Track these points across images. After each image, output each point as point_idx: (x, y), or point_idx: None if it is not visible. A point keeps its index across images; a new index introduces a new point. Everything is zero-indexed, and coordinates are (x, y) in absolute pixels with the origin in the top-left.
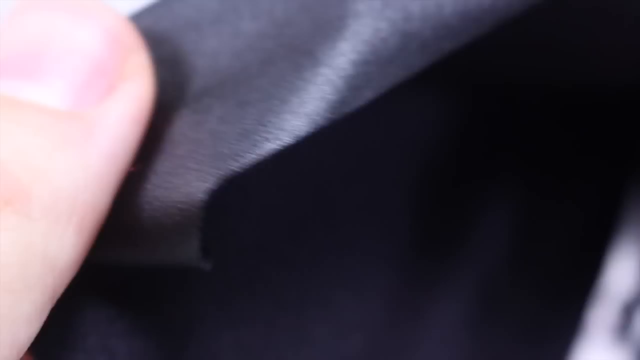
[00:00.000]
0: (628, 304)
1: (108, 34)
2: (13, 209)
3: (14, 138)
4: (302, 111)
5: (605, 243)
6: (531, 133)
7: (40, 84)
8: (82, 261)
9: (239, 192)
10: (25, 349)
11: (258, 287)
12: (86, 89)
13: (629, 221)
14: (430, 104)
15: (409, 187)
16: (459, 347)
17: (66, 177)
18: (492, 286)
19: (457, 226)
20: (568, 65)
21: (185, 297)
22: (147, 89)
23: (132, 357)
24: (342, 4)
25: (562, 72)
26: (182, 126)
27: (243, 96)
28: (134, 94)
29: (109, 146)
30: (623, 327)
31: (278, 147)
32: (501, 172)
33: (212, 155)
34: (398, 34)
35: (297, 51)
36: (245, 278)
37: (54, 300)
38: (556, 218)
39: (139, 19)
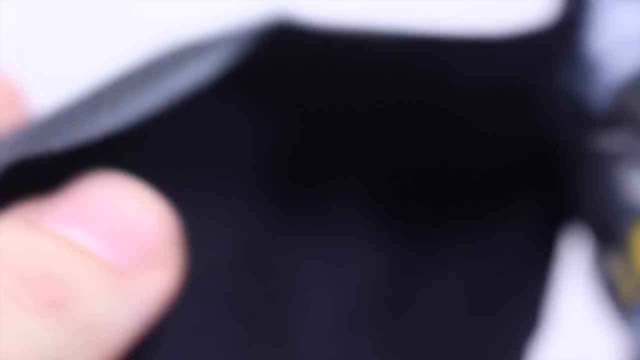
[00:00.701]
0: None
1: (159, 224)
2: (54, 311)
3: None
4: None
5: None
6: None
7: (105, 243)
8: None
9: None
10: None
11: None
12: (130, 255)
13: None
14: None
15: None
16: None
17: (102, 309)
18: None
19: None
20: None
21: None
22: (174, 280)
23: None
24: None
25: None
26: None
27: None
28: (163, 278)
29: (137, 312)
30: None
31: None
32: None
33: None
34: None
35: None
36: None
37: None
38: None
39: None
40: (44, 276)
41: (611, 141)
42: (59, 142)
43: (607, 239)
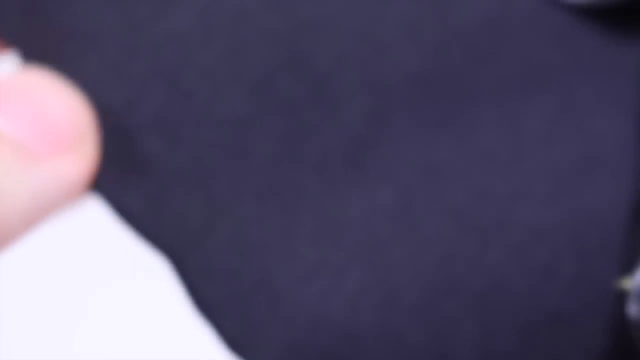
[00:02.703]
0: None
1: (74, 115)
2: None
3: None
4: None
5: None
6: None
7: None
8: None
9: None
10: None
11: None
12: (41, 140)
13: None
14: None
15: None
16: None
17: (2, 186)
18: None
19: None
20: None
21: None
22: (85, 172)
23: None
24: None
25: None
26: None
27: None
28: (73, 169)
29: (38, 188)
30: None
31: None
32: None
33: None
34: None
35: None
36: None
37: None
38: None
39: None
40: None
41: None
42: None
43: None
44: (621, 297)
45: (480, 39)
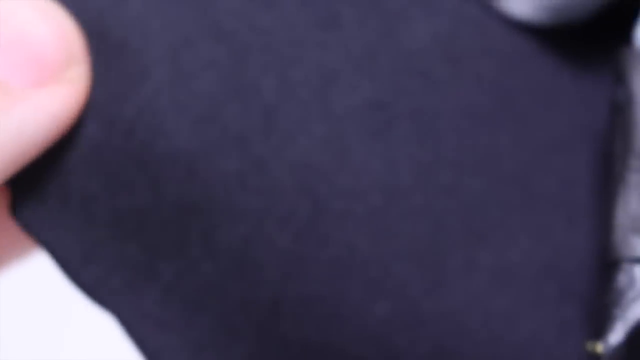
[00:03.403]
0: None
1: (60, 39)
2: None
3: None
4: None
5: None
6: None
7: None
8: None
9: None
10: None
11: None
12: (22, 71)
13: None
14: None
15: None
16: None
17: None
18: None
19: None
20: None
21: None
22: (75, 100)
23: None
24: None
25: None
26: None
27: None
28: (61, 99)
29: (21, 126)
30: None
31: None
32: None
33: None
34: None
35: None
36: None
37: None
38: None
39: None
40: None
41: None
42: None
43: None
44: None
45: (436, 66)
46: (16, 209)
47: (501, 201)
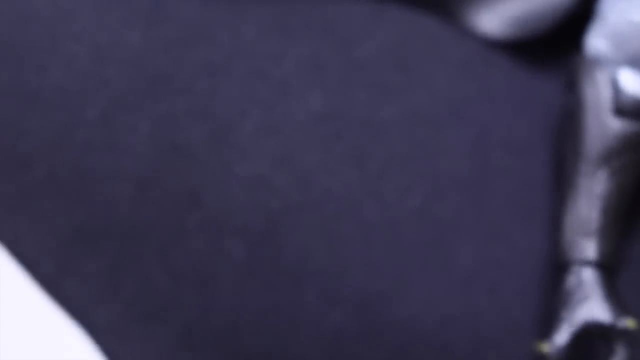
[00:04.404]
0: None
1: None
2: None
3: None
4: None
5: None
6: None
7: None
8: None
9: None
10: None
11: None
12: None
13: None
14: None
15: None
16: None
17: None
18: None
19: None
20: None
21: None
22: None
23: None
24: None
25: None
26: None
27: None
28: None
29: None
30: None
31: None
32: None
33: None
34: None
35: None
36: None
37: None
38: None
39: None
40: None
41: None
42: None
43: None
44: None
45: (385, 75)
46: None
47: (453, 203)
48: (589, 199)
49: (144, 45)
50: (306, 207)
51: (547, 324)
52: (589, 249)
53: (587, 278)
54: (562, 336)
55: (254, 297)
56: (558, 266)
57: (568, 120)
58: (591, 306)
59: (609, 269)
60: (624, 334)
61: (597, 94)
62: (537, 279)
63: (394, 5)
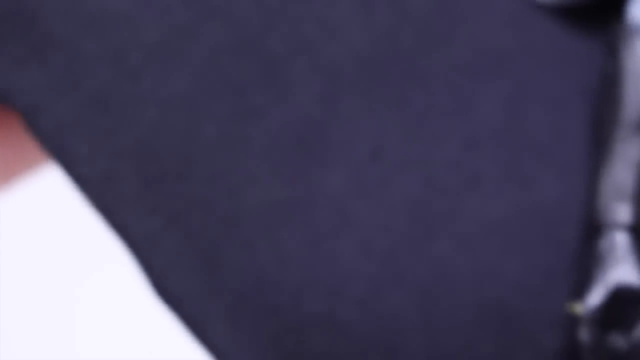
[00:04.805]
0: None
1: None
2: None
3: None
4: None
5: None
6: None
7: None
8: None
9: None
10: None
11: None
12: None
13: None
14: None
15: None
16: None
17: None
18: None
19: None
20: None
21: None
22: None
23: None
24: None
25: None
26: None
27: None
28: None
29: None
30: None
31: None
32: None
33: None
34: None
35: None
36: None
37: None
38: None
39: None
40: None
41: None
42: None
43: None
44: (572, 320)
45: (432, 23)
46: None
47: (488, 154)
48: (625, 164)
49: None
50: (344, 144)
51: (580, 285)
52: (623, 212)
53: (620, 241)
54: (595, 297)
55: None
56: (591, 228)
57: (607, 85)
58: (624, 269)
59: None
60: None
61: (636, 63)
62: (570, 229)
63: None
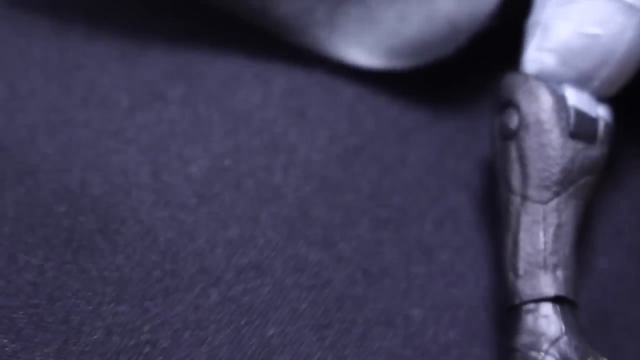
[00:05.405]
0: None
1: None
2: None
3: None
4: None
5: None
6: None
7: None
8: None
9: None
10: None
11: None
12: None
13: None
14: None
15: None
16: None
17: None
18: None
19: None
20: None
21: None
22: None
23: None
24: None
25: None
26: None
27: None
28: None
29: None
30: None
31: None
32: None
33: None
34: None
35: None
36: None
37: None
38: None
39: None
40: None
41: None
42: None
43: None
44: None
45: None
46: None
47: (370, 243)
48: (541, 228)
49: None
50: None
51: None
52: (547, 283)
53: (549, 314)
54: None
55: None
56: (509, 307)
57: (508, 141)
58: (561, 345)
59: (571, 302)
60: None
61: (544, 115)
62: (489, 323)
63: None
